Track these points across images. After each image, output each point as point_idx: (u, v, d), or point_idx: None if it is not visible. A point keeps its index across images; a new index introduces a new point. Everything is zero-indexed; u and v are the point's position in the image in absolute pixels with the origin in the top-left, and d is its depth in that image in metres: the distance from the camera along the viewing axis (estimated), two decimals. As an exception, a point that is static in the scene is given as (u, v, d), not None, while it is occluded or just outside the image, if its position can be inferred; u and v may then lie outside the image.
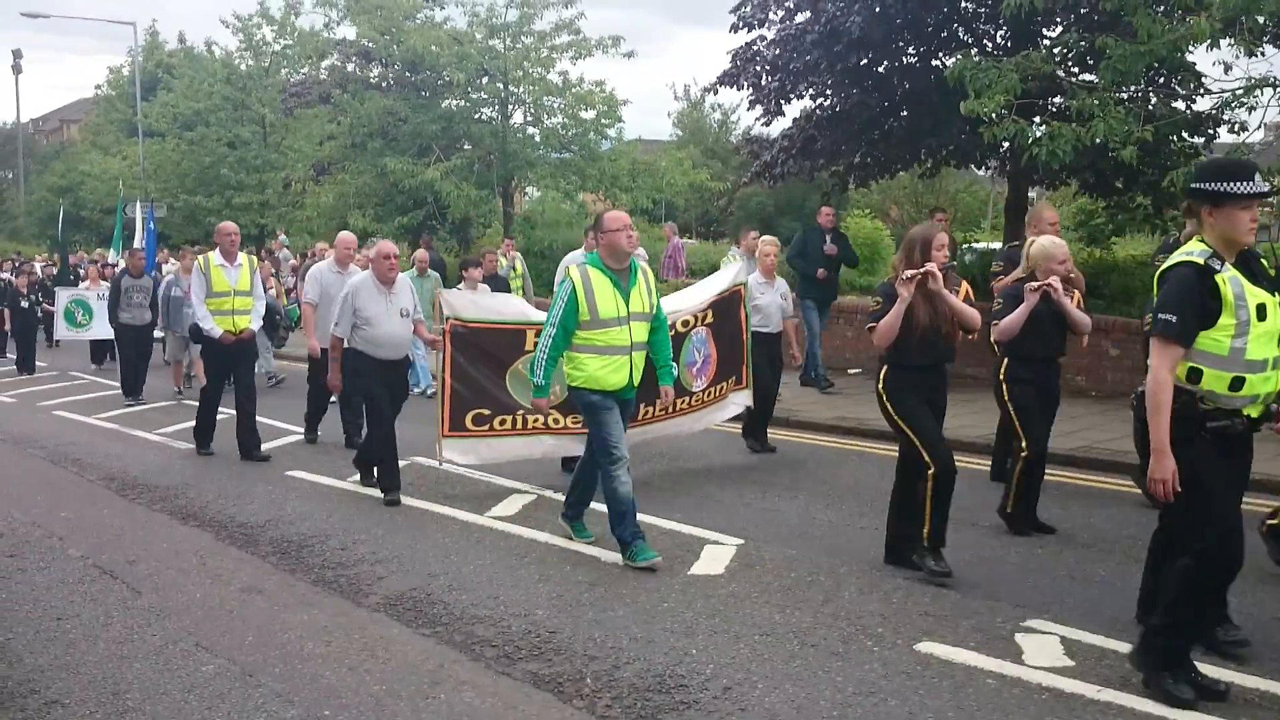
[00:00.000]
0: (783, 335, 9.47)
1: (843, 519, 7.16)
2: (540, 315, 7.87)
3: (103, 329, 16.70)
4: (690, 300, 8.71)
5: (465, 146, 21.92)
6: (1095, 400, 11.00)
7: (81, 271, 20.28)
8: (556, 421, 7.95)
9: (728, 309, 8.74)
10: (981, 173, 21.32)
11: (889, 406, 5.84)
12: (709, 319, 8.60)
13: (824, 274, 12.57)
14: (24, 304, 17.42)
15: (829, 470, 8.75)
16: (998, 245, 16.21)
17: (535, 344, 7.30)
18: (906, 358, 5.76)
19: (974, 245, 17.34)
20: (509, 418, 7.87)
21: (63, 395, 14.03)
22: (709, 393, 8.69)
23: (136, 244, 22.18)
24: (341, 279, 9.14)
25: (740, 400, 9.04)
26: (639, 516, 6.20)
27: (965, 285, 6.16)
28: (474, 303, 8.27)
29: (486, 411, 7.82)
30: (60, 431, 11.13)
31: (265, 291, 12.37)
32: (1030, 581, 5.75)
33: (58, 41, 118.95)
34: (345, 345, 7.98)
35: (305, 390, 10.41)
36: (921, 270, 5.61)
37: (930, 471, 5.67)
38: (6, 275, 18.67)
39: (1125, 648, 4.74)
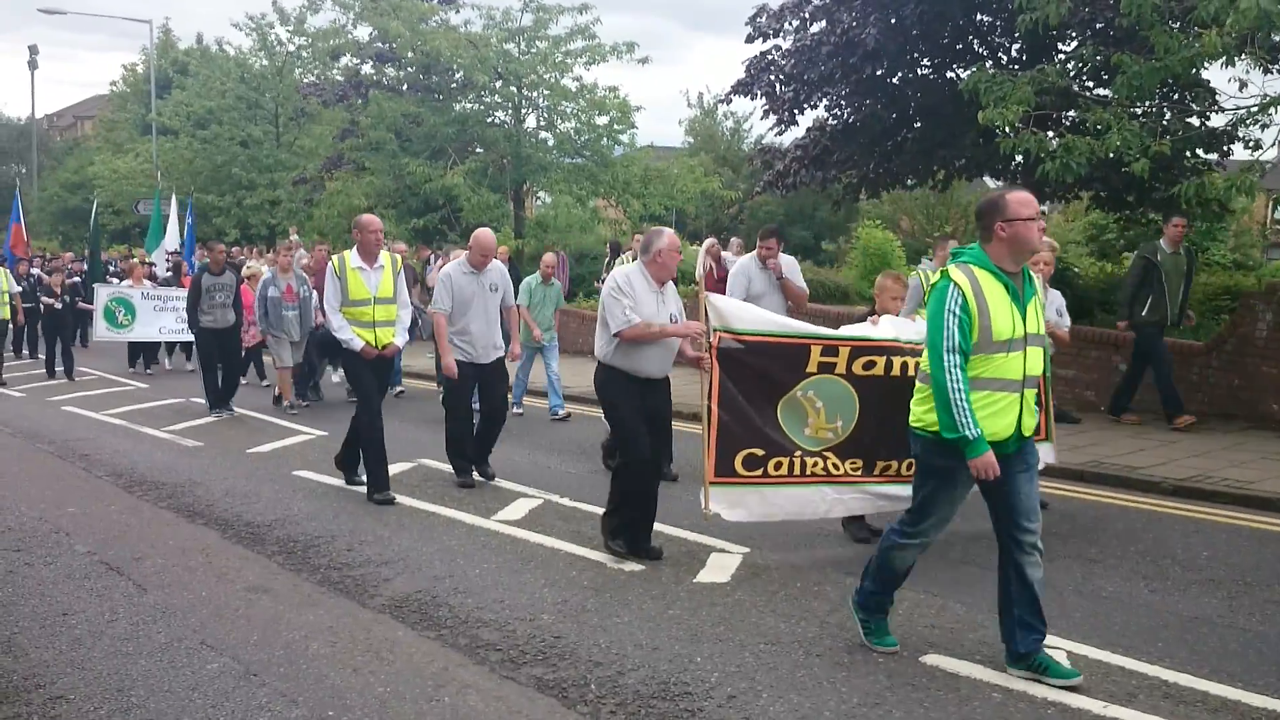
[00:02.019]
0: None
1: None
2: (826, 329, 6.49)
3: (146, 330, 15.91)
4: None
5: (478, 150, 21.96)
6: (1104, 415, 10.95)
7: (112, 269, 20.04)
8: (836, 468, 6.31)
9: None
10: (993, 185, 21.25)
11: None
12: None
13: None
14: (56, 305, 16.20)
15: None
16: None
17: (819, 365, 6.16)
18: None
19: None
20: (784, 460, 6.22)
21: (72, 390, 14.08)
22: None
23: (169, 241, 22.17)
24: (476, 280, 8.06)
25: (1041, 456, 6.85)
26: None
27: None
28: (746, 309, 6.53)
29: (759, 452, 6.18)
30: (69, 427, 11.16)
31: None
32: (1037, 596, 5.72)
33: (73, 38, 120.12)
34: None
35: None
36: None
37: None
38: (36, 271, 18.26)
39: (1132, 663, 4.73)
